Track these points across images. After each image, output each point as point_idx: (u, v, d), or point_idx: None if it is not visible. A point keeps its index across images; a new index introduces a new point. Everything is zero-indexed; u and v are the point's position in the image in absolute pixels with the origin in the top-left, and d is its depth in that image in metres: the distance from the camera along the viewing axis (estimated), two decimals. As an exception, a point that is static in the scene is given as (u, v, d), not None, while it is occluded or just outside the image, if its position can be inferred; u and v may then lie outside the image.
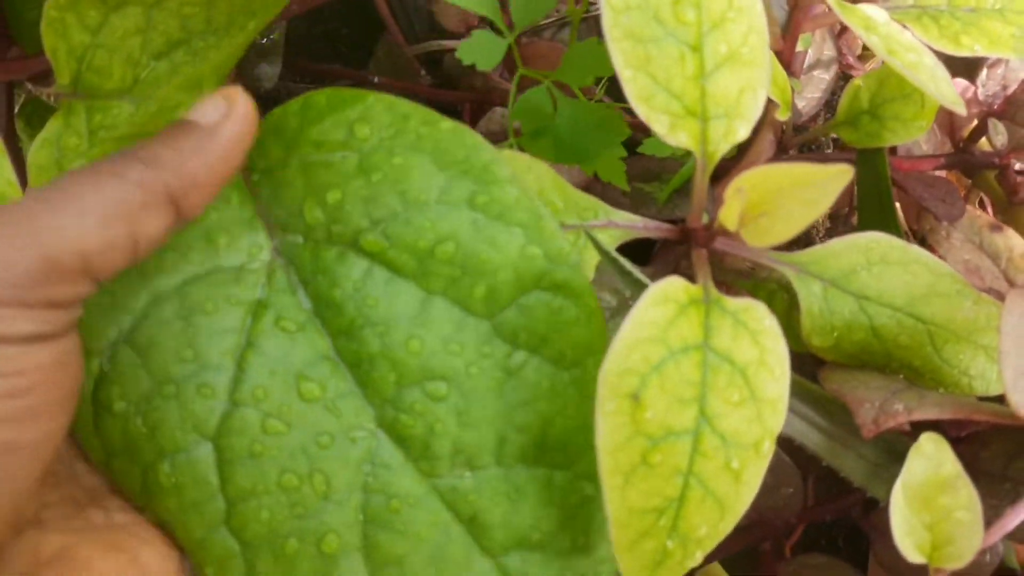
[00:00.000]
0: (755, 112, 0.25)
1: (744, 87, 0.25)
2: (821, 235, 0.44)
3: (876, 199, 0.31)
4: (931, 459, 0.23)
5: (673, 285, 0.23)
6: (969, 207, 0.32)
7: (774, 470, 0.33)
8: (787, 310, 0.32)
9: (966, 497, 0.23)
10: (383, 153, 0.25)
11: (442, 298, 0.24)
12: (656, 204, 0.35)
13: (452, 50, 0.42)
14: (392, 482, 0.24)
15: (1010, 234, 0.32)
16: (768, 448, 0.23)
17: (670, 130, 0.24)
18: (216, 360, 0.24)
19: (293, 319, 0.24)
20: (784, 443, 0.33)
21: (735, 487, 0.23)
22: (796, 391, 0.27)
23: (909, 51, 0.26)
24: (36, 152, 0.30)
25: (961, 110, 0.24)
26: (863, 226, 0.30)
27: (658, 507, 0.23)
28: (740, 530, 0.36)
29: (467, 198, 0.24)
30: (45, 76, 0.29)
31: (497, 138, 0.39)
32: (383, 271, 0.24)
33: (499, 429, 0.24)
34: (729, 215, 0.22)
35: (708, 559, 0.37)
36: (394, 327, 0.24)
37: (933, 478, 0.23)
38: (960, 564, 0.22)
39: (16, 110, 0.32)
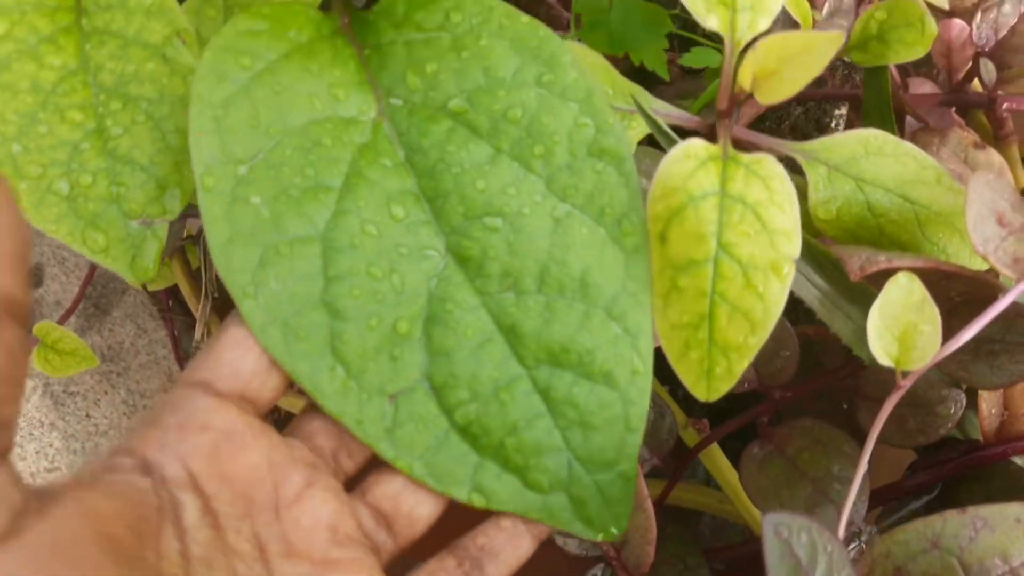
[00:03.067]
0: (776, 6, 0.31)
1: (771, -18, 0.31)
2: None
3: (879, 107, 0.36)
4: (903, 288, 0.28)
5: (695, 144, 0.29)
6: (957, 128, 0.38)
7: (775, 336, 0.39)
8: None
9: (929, 315, 0.28)
10: (472, 36, 0.31)
11: (507, 156, 0.30)
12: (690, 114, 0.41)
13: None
14: (451, 292, 0.29)
15: (991, 152, 0.37)
16: (788, 271, 0.28)
17: (706, 13, 0.30)
18: (329, 178, 0.29)
19: (390, 160, 0.30)
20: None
21: (760, 303, 0.28)
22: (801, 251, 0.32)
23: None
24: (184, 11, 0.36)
25: (944, 3, 0.30)
26: (866, 127, 0.35)
27: (692, 323, 0.28)
28: (741, 400, 0.41)
29: (535, 77, 0.30)
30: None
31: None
32: (464, 129, 0.30)
33: (543, 263, 0.29)
34: (745, 75, 0.28)
35: (708, 439, 0.42)
36: (467, 171, 0.30)
37: (904, 300, 0.28)
38: (922, 364, 0.28)
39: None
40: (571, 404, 0.29)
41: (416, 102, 0.30)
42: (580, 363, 0.29)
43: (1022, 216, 0.29)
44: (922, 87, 0.41)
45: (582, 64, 0.30)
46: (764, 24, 0.31)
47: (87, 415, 0.80)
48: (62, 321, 0.72)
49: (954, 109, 0.41)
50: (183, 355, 0.78)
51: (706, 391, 0.28)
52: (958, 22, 0.38)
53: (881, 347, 0.28)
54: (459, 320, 0.29)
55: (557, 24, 0.45)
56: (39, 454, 0.77)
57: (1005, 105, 0.39)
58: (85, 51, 0.31)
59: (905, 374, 0.28)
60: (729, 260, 0.29)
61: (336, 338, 0.28)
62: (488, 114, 0.30)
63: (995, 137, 0.40)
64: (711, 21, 0.30)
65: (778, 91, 0.28)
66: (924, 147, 0.38)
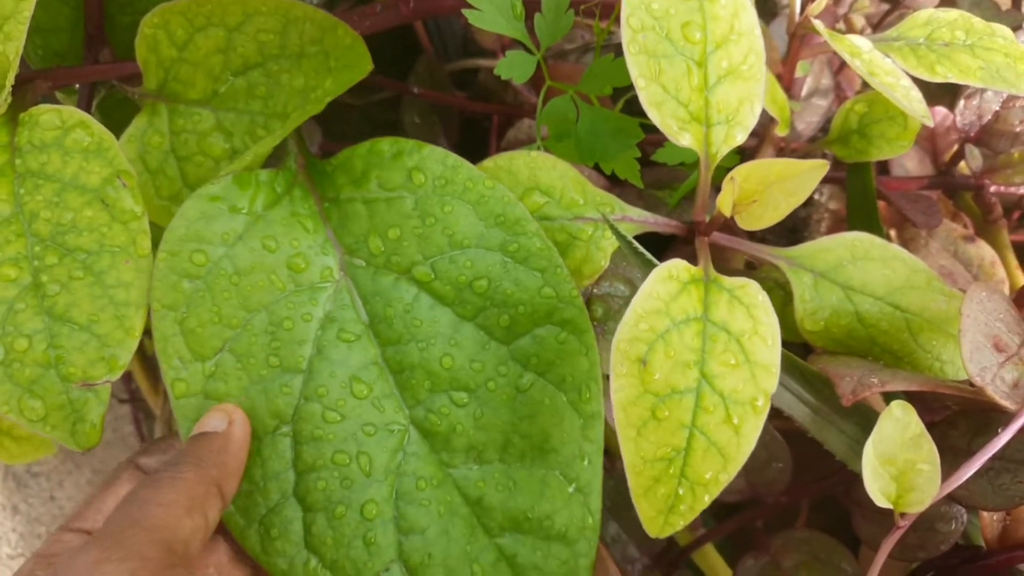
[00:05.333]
0: (751, 120, 0.29)
1: (743, 98, 0.29)
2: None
3: (863, 206, 0.34)
4: (899, 421, 0.27)
5: (677, 266, 0.27)
6: (946, 220, 0.36)
7: (767, 446, 0.37)
8: (783, 305, 0.35)
9: (927, 452, 0.26)
10: (436, 199, 0.30)
11: (472, 324, 0.30)
12: (667, 208, 0.39)
13: (486, 68, 0.47)
14: (418, 467, 0.29)
15: (981, 244, 0.35)
16: (763, 404, 0.27)
17: (678, 132, 0.28)
18: (293, 363, 0.29)
19: (352, 331, 0.29)
20: (775, 425, 0.37)
21: (736, 438, 0.27)
22: (788, 369, 0.30)
23: (888, 74, 0.30)
24: (124, 146, 0.34)
25: (929, 122, 0.28)
26: (851, 228, 0.34)
27: (667, 456, 0.26)
28: (734, 509, 0.39)
29: (500, 244, 0.30)
30: (131, 78, 0.34)
31: (523, 146, 0.43)
32: (428, 298, 0.30)
33: (506, 434, 0.29)
34: (725, 201, 0.26)
35: (703, 539, 0.40)
36: (432, 344, 0.29)
37: (900, 436, 0.26)
38: (921, 508, 0.26)
39: (95, 103, 0.37)
40: (534, 567, 0.28)
41: (379, 265, 0.30)
42: (540, 527, 0.28)
43: (1018, 336, 0.28)
44: (902, 171, 0.39)
45: (542, 232, 0.30)
46: (740, 137, 0.29)
47: (51, 497, 0.78)
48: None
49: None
50: (147, 435, 0.76)
51: (661, 527, 0.27)
52: (940, 109, 0.37)
53: (878, 488, 0.26)
54: (428, 496, 0.29)
55: (524, 111, 0.43)
56: (1, 540, 0.75)
57: (993, 188, 0.37)
58: (19, 196, 0.29)
59: (904, 515, 0.26)
60: (711, 392, 0.27)
61: (308, 531, 0.28)
62: (453, 283, 0.30)
63: (984, 221, 0.38)
64: (684, 139, 0.28)
65: (761, 218, 0.27)
66: (912, 241, 0.36)
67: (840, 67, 0.46)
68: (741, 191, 0.26)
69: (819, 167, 0.24)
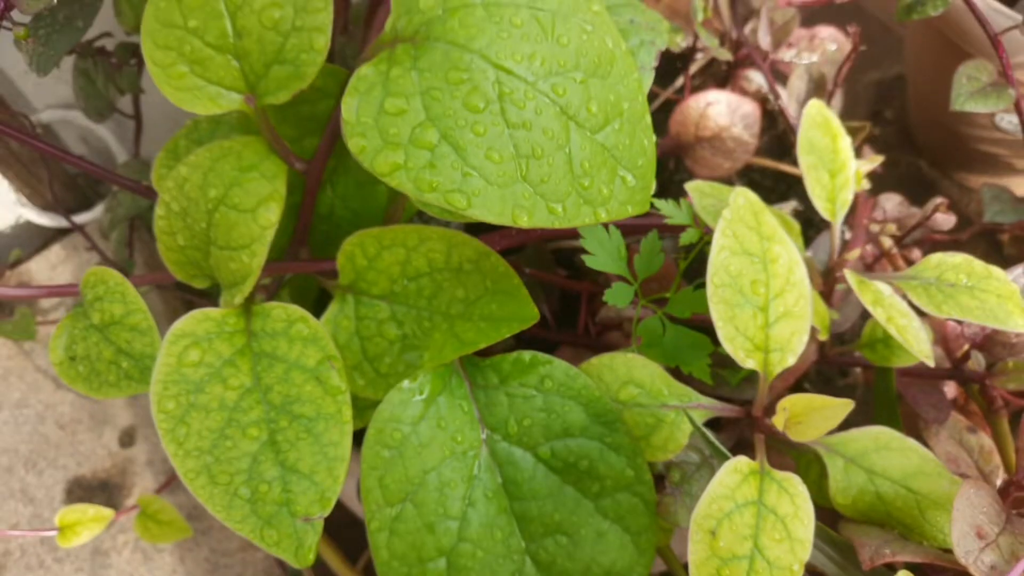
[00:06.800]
0: (800, 347, 0.39)
1: (794, 332, 0.39)
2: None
3: (886, 404, 0.44)
4: (905, 588, 0.36)
5: (740, 462, 0.37)
6: (954, 413, 0.45)
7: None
8: (819, 476, 0.45)
9: (925, 615, 0.35)
10: (558, 399, 0.41)
11: (572, 488, 0.41)
12: (730, 385, 0.49)
13: (581, 249, 0.58)
14: None
15: (982, 435, 0.44)
16: (799, 569, 0.36)
17: (744, 359, 0.38)
18: (454, 514, 0.39)
19: (492, 488, 0.40)
20: (811, 572, 0.46)
21: (777, 595, 0.36)
22: (823, 535, 0.40)
23: (902, 317, 0.40)
24: (322, 325, 0.45)
25: (930, 361, 0.38)
26: (876, 421, 0.43)
27: (725, 603, 0.36)
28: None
29: (599, 435, 0.41)
30: (327, 273, 0.45)
31: (611, 323, 0.54)
32: (545, 468, 0.41)
33: (586, 563, 0.40)
34: (778, 421, 0.36)
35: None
36: (546, 501, 0.40)
37: (905, 600, 0.36)
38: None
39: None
40: None
41: (513, 442, 0.41)
42: None
43: (997, 526, 0.37)
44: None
45: (629, 427, 0.40)
46: (791, 360, 0.39)
47: (172, 571, 0.88)
48: (160, 491, 0.81)
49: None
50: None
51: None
52: (952, 323, 0.46)
53: (887, 642, 0.35)
54: None
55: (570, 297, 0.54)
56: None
57: (993, 391, 0.47)
58: (257, 372, 0.40)
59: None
60: (761, 559, 0.36)
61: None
62: (564, 460, 0.41)
63: (987, 411, 0.48)
64: (749, 363, 0.38)
65: (805, 433, 0.36)
66: (924, 428, 0.46)
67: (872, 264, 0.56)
68: (790, 415, 0.36)
69: (846, 405, 0.34)
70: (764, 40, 0.56)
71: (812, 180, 0.42)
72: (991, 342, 0.46)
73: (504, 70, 0.32)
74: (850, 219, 0.52)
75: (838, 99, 0.64)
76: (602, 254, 0.41)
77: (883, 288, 0.41)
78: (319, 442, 0.39)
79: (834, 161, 0.42)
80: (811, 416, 0.36)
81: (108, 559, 0.84)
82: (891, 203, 0.56)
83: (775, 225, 0.39)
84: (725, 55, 0.55)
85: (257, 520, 0.37)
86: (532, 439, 0.41)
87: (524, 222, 0.32)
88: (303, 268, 0.46)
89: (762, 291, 0.38)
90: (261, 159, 0.42)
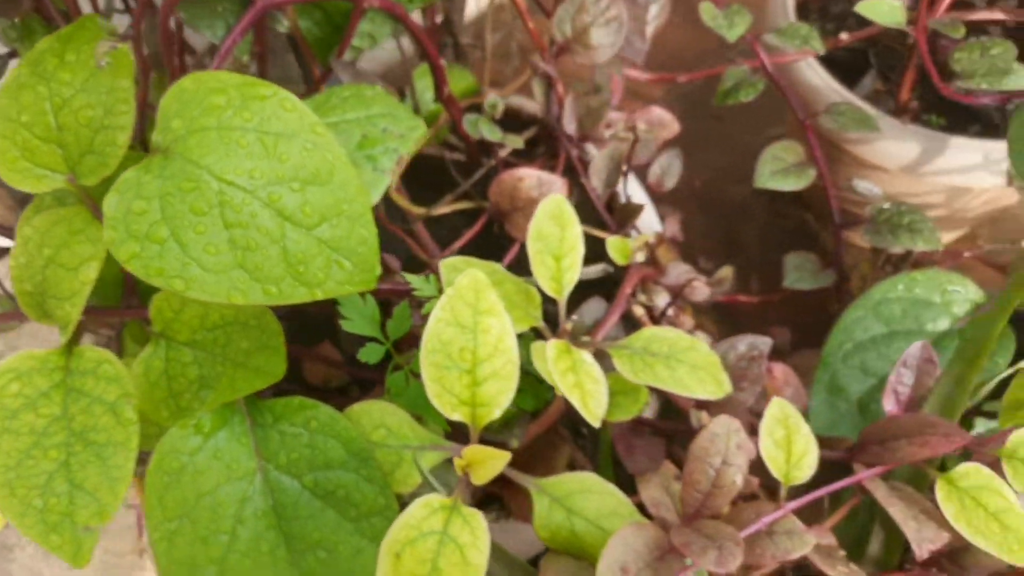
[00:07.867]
0: (506, 402, 0.47)
1: (500, 390, 0.47)
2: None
3: (604, 453, 0.52)
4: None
5: (431, 498, 0.45)
6: (667, 462, 0.53)
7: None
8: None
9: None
10: (321, 437, 0.50)
11: (333, 511, 0.49)
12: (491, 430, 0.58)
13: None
14: None
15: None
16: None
17: (451, 412, 0.46)
18: (224, 529, 0.47)
19: (263, 508, 0.49)
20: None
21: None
22: (513, 565, 0.48)
23: (592, 383, 0.48)
24: (138, 362, 0.54)
25: (597, 423, 0.46)
26: (597, 468, 0.51)
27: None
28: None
29: (356, 468, 0.50)
30: (147, 320, 0.54)
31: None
32: (309, 495, 0.49)
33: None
34: (458, 466, 0.44)
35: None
36: (310, 521, 0.49)
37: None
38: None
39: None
40: None
41: (283, 471, 0.49)
42: None
43: (644, 564, 0.45)
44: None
45: (380, 463, 0.48)
46: (497, 413, 0.47)
47: (69, 568, 0.97)
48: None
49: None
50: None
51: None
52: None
53: (532, 651, 0.43)
54: None
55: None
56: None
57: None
58: (66, 404, 0.49)
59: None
60: (442, 580, 0.44)
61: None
62: (325, 488, 0.49)
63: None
64: (455, 415, 0.47)
65: (481, 477, 0.45)
66: (639, 478, 0.54)
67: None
68: (468, 462, 0.44)
69: (504, 456, 0.42)
70: (570, 127, 0.64)
71: (537, 263, 0.50)
72: (709, 404, 0.54)
73: (226, 182, 0.41)
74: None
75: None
76: (358, 319, 0.50)
77: (586, 357, 0.49)
78: (106, 464, 0.47)
79: (560, 248, 0.51)
80: (484, 463, 0.44)
81: (12, 554, 0.92)
82: (676, 271, 0.64)
83: (494, 301, 0.47)
84: (517, 142, 0.64)
85: (44, 527, 0.46)
86: (299, 469, 0.49)
87: (239, 300, 0.40)
88: (125, 315, 0.54)
89: (469, 357, 0.46)
90: (86, 225, 0.51)
